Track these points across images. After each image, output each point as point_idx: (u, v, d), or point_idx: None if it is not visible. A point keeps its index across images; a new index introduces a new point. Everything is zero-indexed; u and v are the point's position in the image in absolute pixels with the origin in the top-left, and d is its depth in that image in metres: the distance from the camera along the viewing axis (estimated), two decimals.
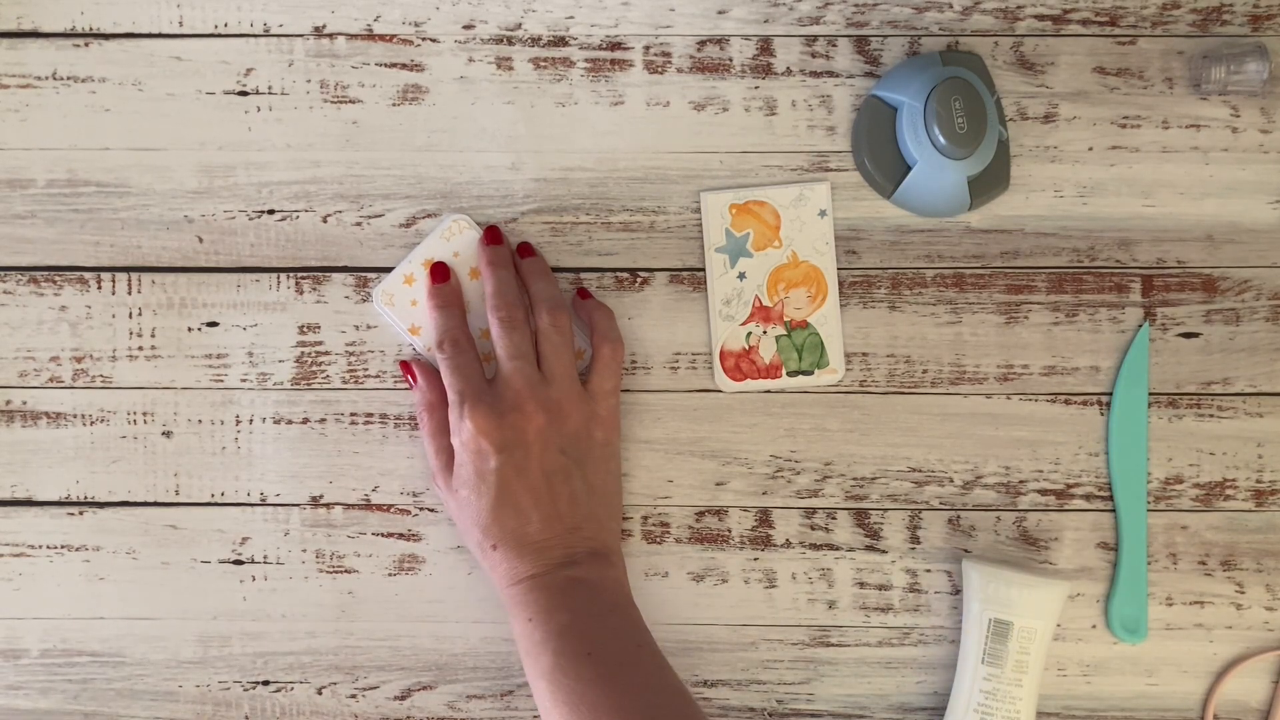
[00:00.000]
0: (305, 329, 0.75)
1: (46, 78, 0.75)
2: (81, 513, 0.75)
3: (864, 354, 0.75)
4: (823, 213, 0.75)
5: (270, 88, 0.75)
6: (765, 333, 0.75)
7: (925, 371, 0.75)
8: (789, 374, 0.75)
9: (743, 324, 0.75)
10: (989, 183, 0.73)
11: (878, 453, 0.75)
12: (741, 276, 0.75)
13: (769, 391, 0.75)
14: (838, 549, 0.75)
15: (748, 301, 0.75)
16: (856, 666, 0.75)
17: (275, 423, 0.75)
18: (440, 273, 0.74)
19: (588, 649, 0.66)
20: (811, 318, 0.75)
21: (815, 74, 0.75)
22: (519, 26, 0.75)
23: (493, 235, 0.74)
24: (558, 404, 0.70)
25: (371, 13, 0.75)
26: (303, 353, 0.75)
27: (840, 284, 0.75)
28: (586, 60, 0.75)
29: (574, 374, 0.71)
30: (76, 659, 0.75)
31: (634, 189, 0.75)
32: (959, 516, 0.75)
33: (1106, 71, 0.75)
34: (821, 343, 0.75)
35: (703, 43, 0.75)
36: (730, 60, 0.75)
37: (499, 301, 0.72)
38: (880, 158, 0.74)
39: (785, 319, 0.75)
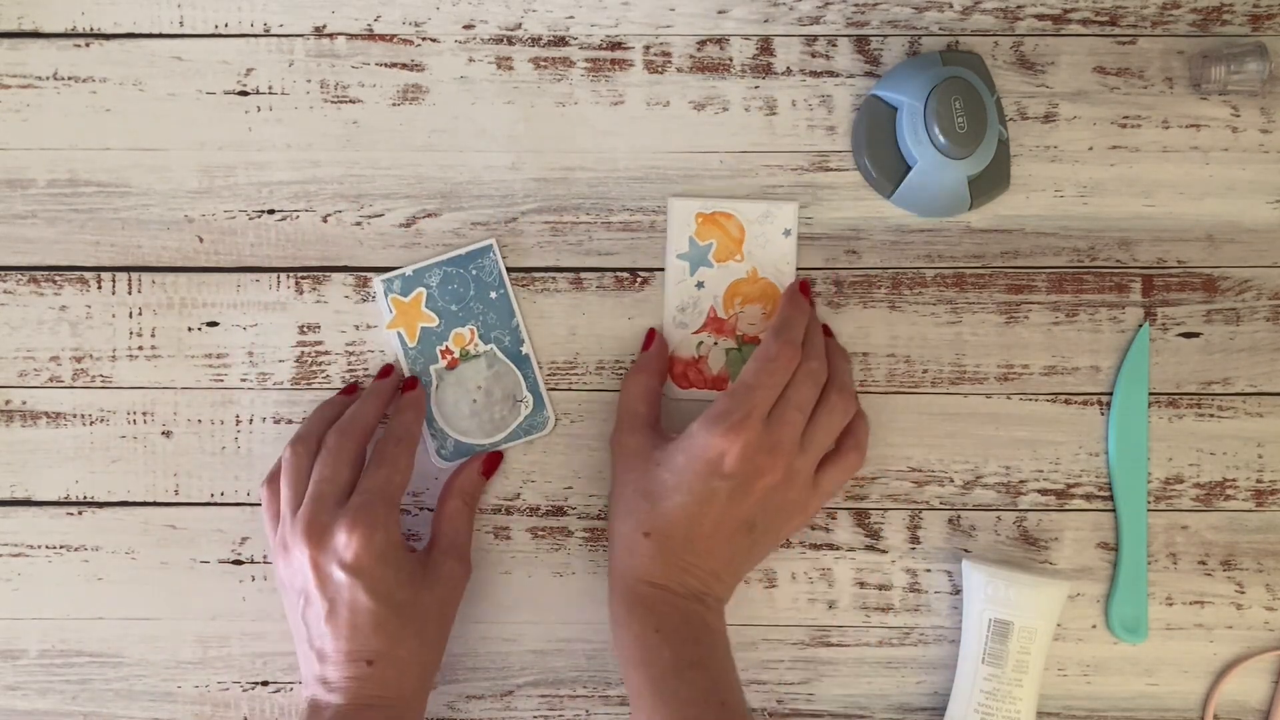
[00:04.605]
0: (305, 329, 0.75)
1: (47, 78, 0.75)
2: (81, 513, 0.75)
3: (864, 354, 0.75)
4: (787, 232, 0.75)
5: (270, 88, 0.75)
6: (716, 344, 0.75)
7: (925, 371, 0.75)
8: None
9: (695, 332, 0.75)
10: (989, 182, 0.73)
11: (878, 453, 0.75)
12: (699, 285, 0.75)
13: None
14: (838, 549, 0.75)
15: (703, 310, 0.75)
16: (856, 666, 0.75)
17: (275, 423, 0.75)
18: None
19: (722, 698, 0.66)
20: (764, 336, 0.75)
21: (815, 74, 0.75)
22: (519, 26, 0.76)
23: (804, 288, 0.74)
24: (795, 473, 0.69)
25: (371, 13, 0.75)
26: (303, 352, 0.75)
27: (840, 284, 0.75)
28: (586, 60, 0.75)
29: (816, 460, 0.70)
30: (75, 659, 0.75)
31: (634, 189, 0.75)
32: (959, 516, 0.75)
33: (1106, 71, 0.75)
34: None
35: (703, 43, 0.75)
36: (730, 60, 0.75)
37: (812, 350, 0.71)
38: (880, 157, 0.74)
39: (738, 333, 0.75)
